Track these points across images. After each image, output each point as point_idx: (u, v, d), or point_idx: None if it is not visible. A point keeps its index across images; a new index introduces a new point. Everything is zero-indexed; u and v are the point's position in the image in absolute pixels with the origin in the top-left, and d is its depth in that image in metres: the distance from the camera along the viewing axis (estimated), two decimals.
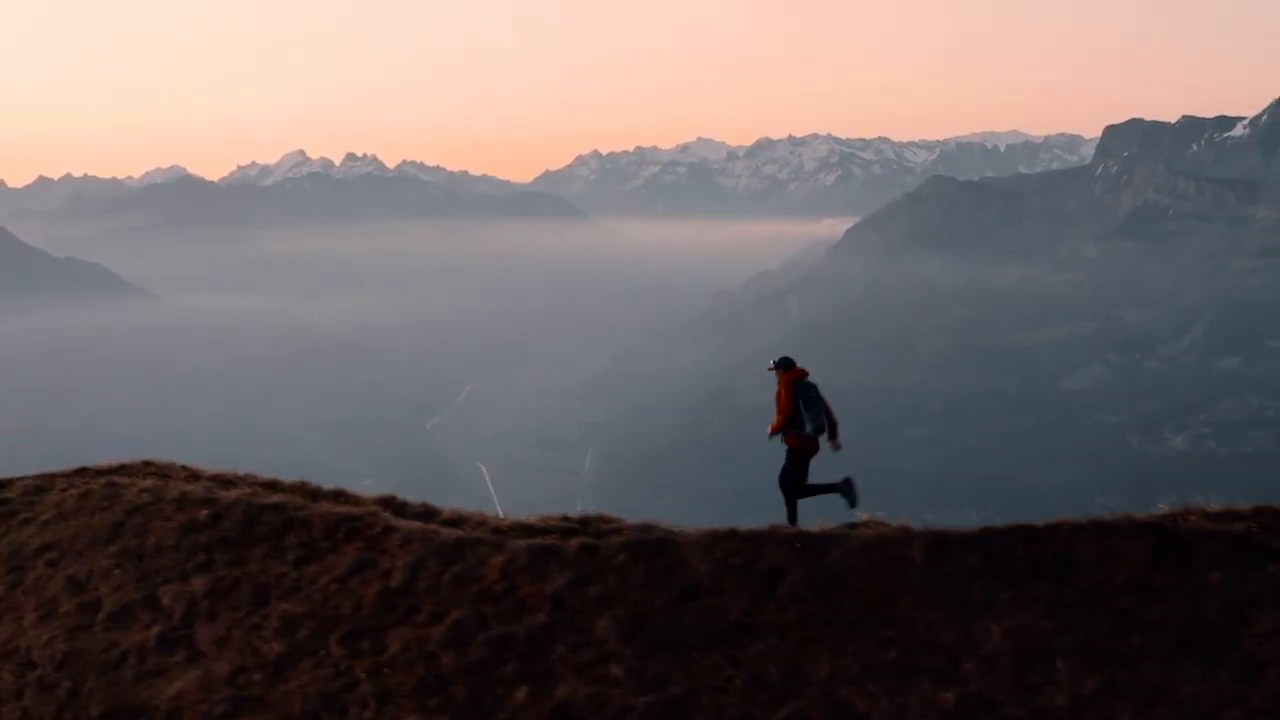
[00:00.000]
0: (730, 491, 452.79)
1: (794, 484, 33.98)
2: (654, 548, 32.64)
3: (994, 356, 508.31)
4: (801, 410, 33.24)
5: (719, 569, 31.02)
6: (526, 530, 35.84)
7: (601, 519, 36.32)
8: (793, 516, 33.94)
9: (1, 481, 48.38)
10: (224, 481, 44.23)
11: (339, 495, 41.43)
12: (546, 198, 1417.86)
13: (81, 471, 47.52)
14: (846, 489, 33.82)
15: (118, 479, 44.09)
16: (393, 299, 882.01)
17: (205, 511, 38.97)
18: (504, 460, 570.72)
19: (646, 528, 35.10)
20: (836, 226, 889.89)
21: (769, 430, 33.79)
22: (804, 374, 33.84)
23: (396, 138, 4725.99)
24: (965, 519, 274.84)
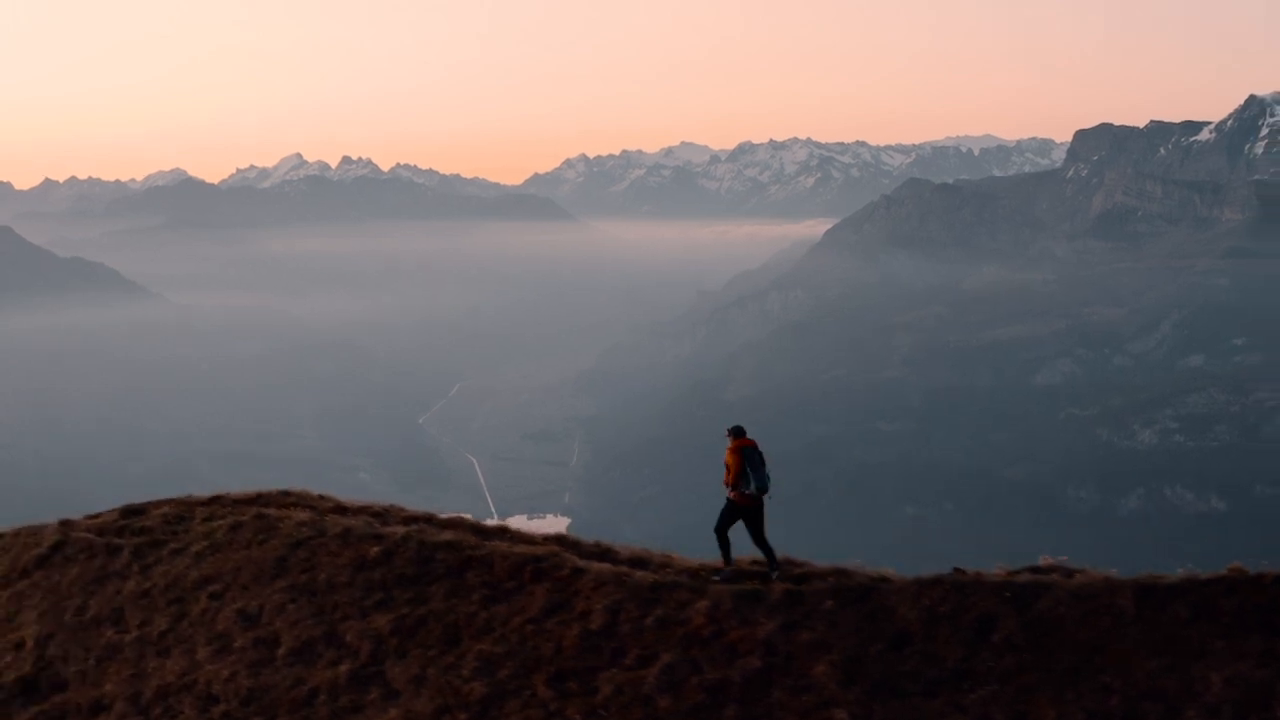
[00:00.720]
0: (714, 484, 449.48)
1: (719, 527, 37.61)
2: (859, 594, 32.86)
3: (968, 353, 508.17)
4: (748, 472, 36.76)
5: (928, 616, 31.21)
6: (718, 574, 36.42)
7: (791, 562, 37.02)
8: (726, 555, 37.79)
9: (136, 508, 49.01)
10: (374, 513, 44.44)
11: (504, 531, 41.55)
12: (535, 199, 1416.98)
13: (217, 500, 48.23)
14: (774, 564, 37.02)
15: (267, 511, 44.28)
16: (386, 298, 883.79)
17: (375, 548, 39.23)
18: (494, 453, 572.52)
19: (843, 573, 35.49)
20: (815, 227, 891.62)
21: (728, 492, 37.56)
22: (751, 443, 37.33)
23: (390, 141, 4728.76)
24: (943, 512, 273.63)
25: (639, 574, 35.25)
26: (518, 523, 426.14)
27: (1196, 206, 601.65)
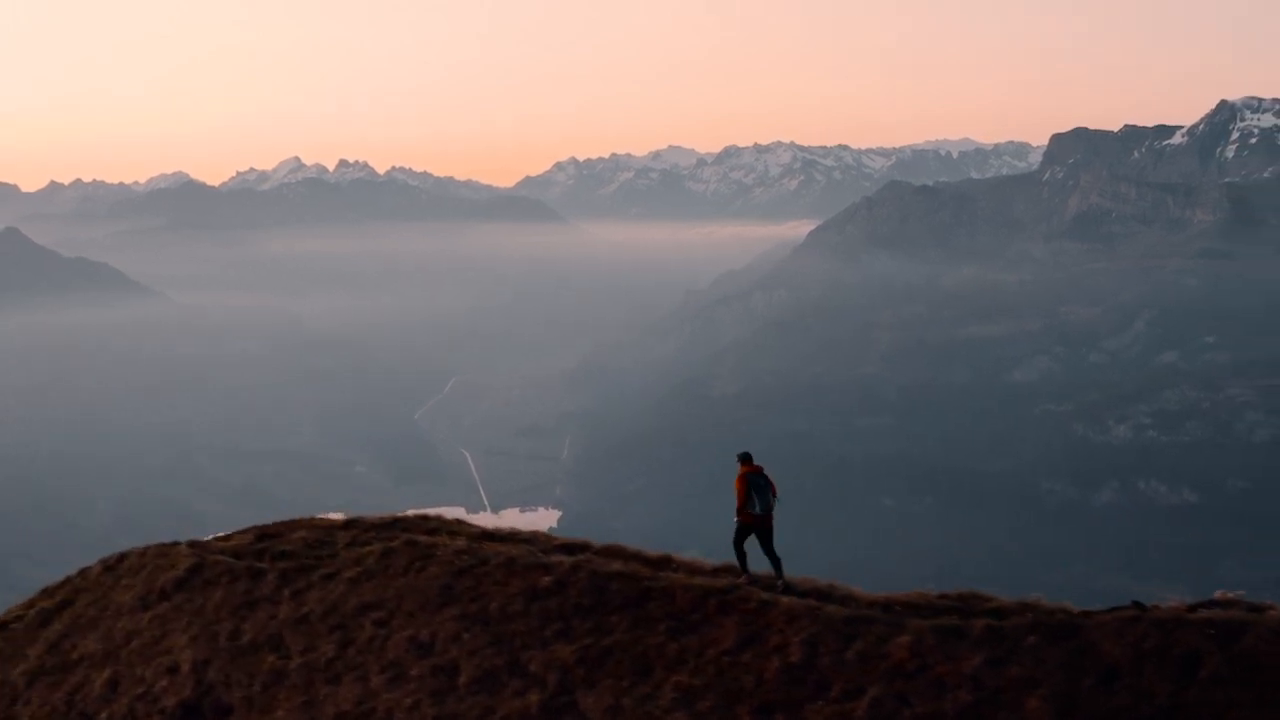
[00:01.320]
0: (699, 476, 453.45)
1: (735, 543, 39.59)
2: (1063, 630, 32.60)
3: (946, 350, 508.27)
4: (753, 496, 38.84)
5: (1134, 653, 30.98)
6: (909, 608, 35.99)
7: (975, 596, 36.46)
8: (743, 566, 39.82)
9: (270, 530, 48.83)
10: (523, 540, 44.44)
11: (669, 561, 41.04)
12: (527, 201, 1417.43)
13: (355, 523, 47.76)
14: (781, 576, 39.27)
15: (418, 537, 43.84)
16: (383, 297, 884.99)
17: (546, 578, 38.83)
18: (487, 447, 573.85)
19: (1033, 607, 34.99)
20: (799, 228, 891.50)
21: (738, 505, 39.00)
22: (757, 469, 39.38)
23: (386, 145, 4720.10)
24: (922, 504, 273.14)
25: (830, 607, 34.97)
26: (510, 515, 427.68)
27: (1169, 208, 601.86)
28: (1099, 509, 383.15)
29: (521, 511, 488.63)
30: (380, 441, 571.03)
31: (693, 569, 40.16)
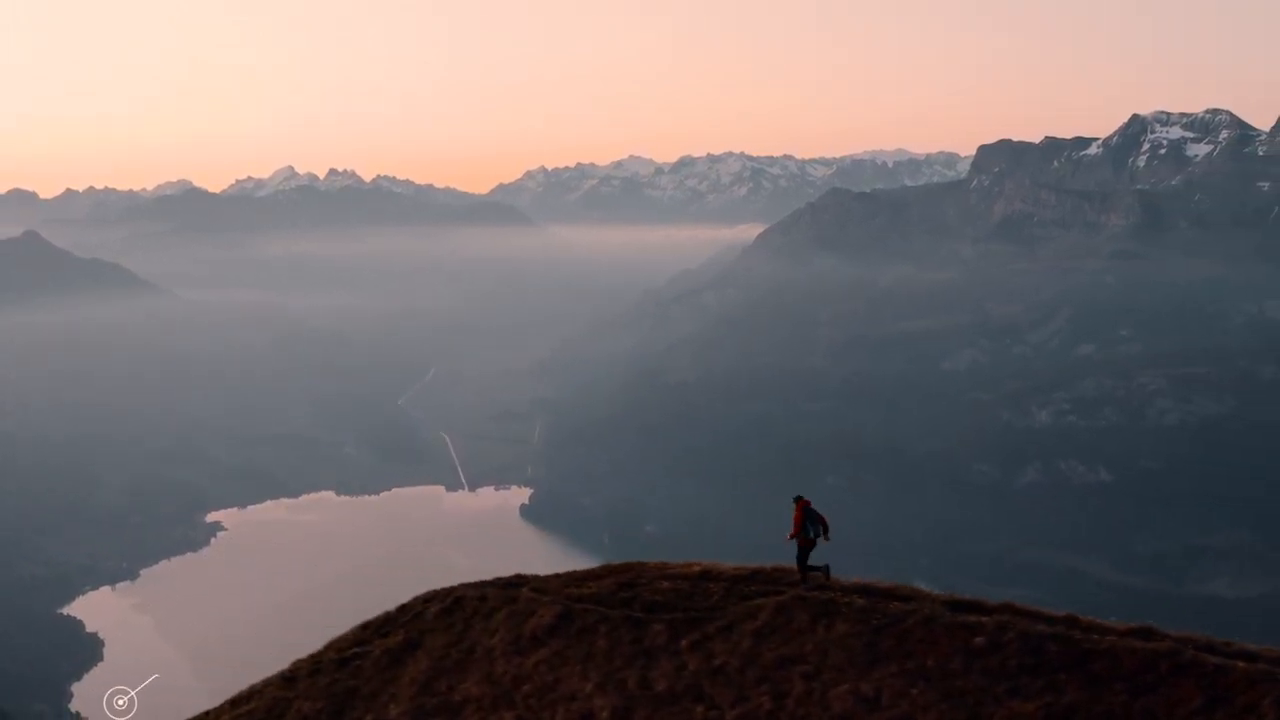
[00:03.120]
0: (658, 456, 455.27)
1: (800, 561, 46.68)
2: None
3: (882, 343, 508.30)
4: (807, 525, 46.93)
5: None
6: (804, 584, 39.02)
7: None
8: (804, 577, 46.12)
9: (626, 579, 47.49)
10: (881, 592, 43.01)
11: (1073, 621, 38.90)
12: (500, 207, 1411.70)
13: (709, 574, 46.91)
14: (825, 571, 46.39)
15: (808, 594, 42.75)
16: (368, 294, 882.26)
17: (979, 638, 37.46)
18: (464, 431, 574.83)
19: None
20: (748, 232, 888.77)
21: (788, 536, 47.30)
22: (808, 503, 47.65)
23: (372, 155, 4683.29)
24: (861, 482, 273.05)
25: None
26: (486, 493, 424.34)
27: (1086, 213, 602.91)
28: (1023, 487, 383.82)
29: (496, 489, 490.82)
30: (367, 425, 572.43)
31: (1105, 629, 38.38)
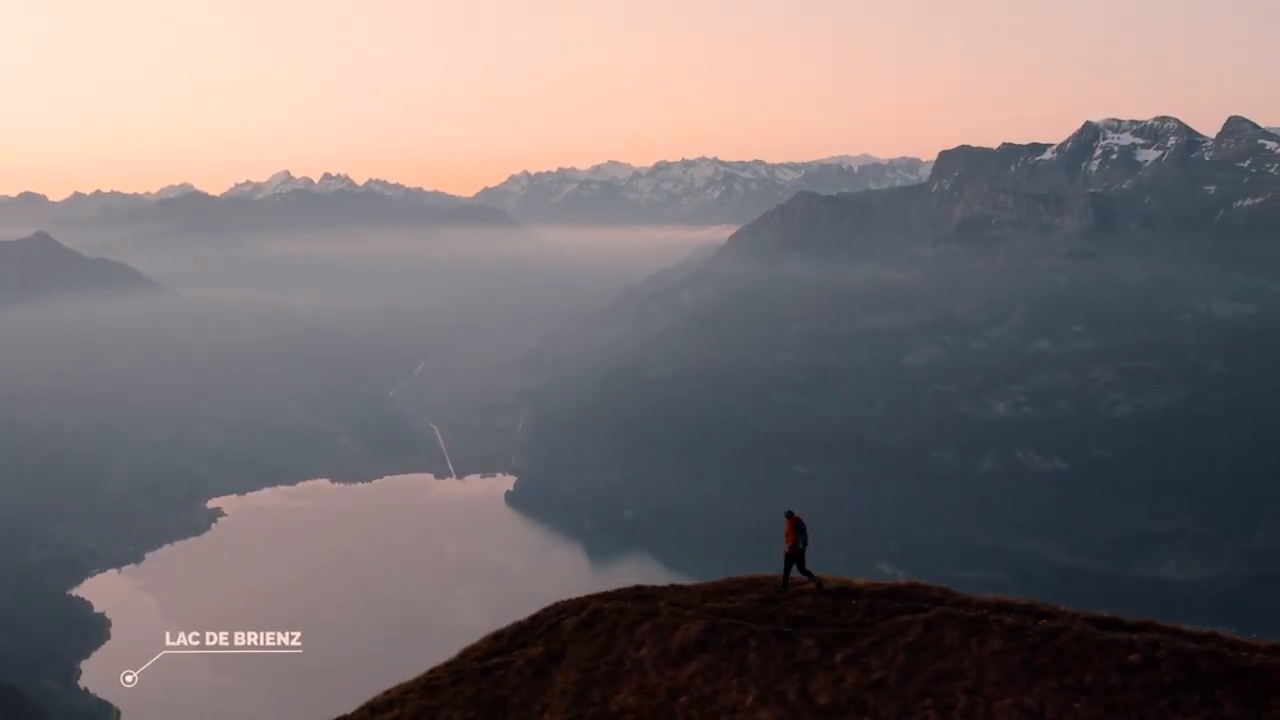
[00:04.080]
0: (637, 445, 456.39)
1: (786, 566, 49.78)
2: None
3: (849, 338, 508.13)
4: (798, 537, 49.81)
5: None
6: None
7: None
8: (786, 582, 49.97)
9: (770, 594, 48.22)
10: (1022, 610, 42.35)
11: (1218, 638, 38.59)
12: (486, 209, 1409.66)
13: (846, 590, 47.07)
14: (817, 583, 49.04)
15: (955, 611, 42.13)
16: (362, 292, 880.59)
17: (1133, 655, 37.11)
18: (452, 422, 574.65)
19: None
20: (721, 233, 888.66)
21: (786, 550, 49.99)
22: (799, 519, 50.45)
23: (364, 160, 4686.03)
24: (828, 470, 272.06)
25: None
26: (473, 481, 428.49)
27: (1041, 216, 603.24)
28: (981, 475, 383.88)
29: (482, 477, 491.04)
30: (360, 417, 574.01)
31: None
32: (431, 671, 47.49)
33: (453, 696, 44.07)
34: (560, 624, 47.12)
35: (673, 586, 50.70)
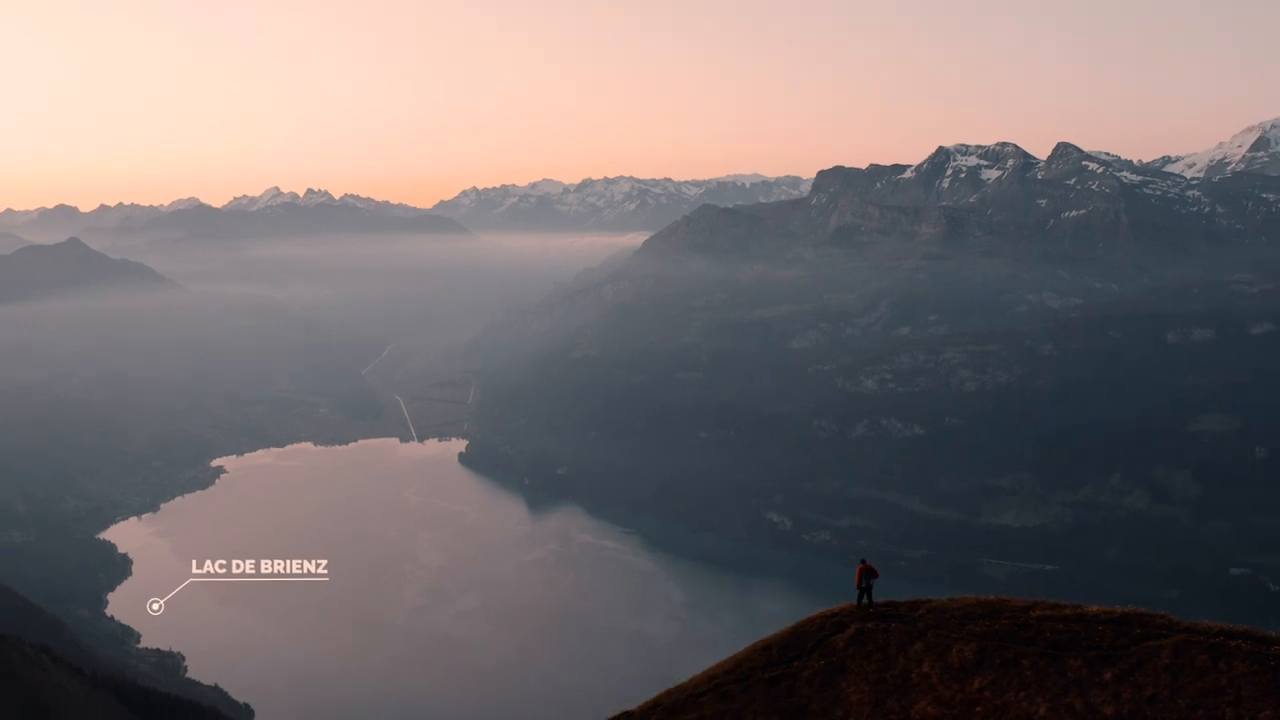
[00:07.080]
0: (567, 415, 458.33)
1: (858, 599, 51.48)
2: None
3: (743, 326, 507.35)
4: (865, 576, 53.07)
5: None
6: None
7: None
8: (860, 606, 51.20)
9: (1019, 618, 44.89)
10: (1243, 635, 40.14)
11: None
12: (441, 219, 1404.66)
13: (1084, 616, 43.43)
14: (877, 607, 49.86)
15: (1193, 637, 40.07)
16: (338, 288, 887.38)
17: None
18: (413, 394, 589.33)
19: None
20: (636, 239, 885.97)
21: (857, 585, 52.76)
22: (868, 567, 54.25)
23: (342, 177, 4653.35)
24: (726, 437, 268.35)
25: None
26: (431, 443, 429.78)
27: (902, 225, 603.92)
28: (854, 440, 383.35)
29: (439, 441, 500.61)
30: (337, 390, 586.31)
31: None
32: (717, 679, 46.27)
33: (749, 702, 43.31)
34: (829, 639, 46.41)
35: (932, 612, 47.47)
